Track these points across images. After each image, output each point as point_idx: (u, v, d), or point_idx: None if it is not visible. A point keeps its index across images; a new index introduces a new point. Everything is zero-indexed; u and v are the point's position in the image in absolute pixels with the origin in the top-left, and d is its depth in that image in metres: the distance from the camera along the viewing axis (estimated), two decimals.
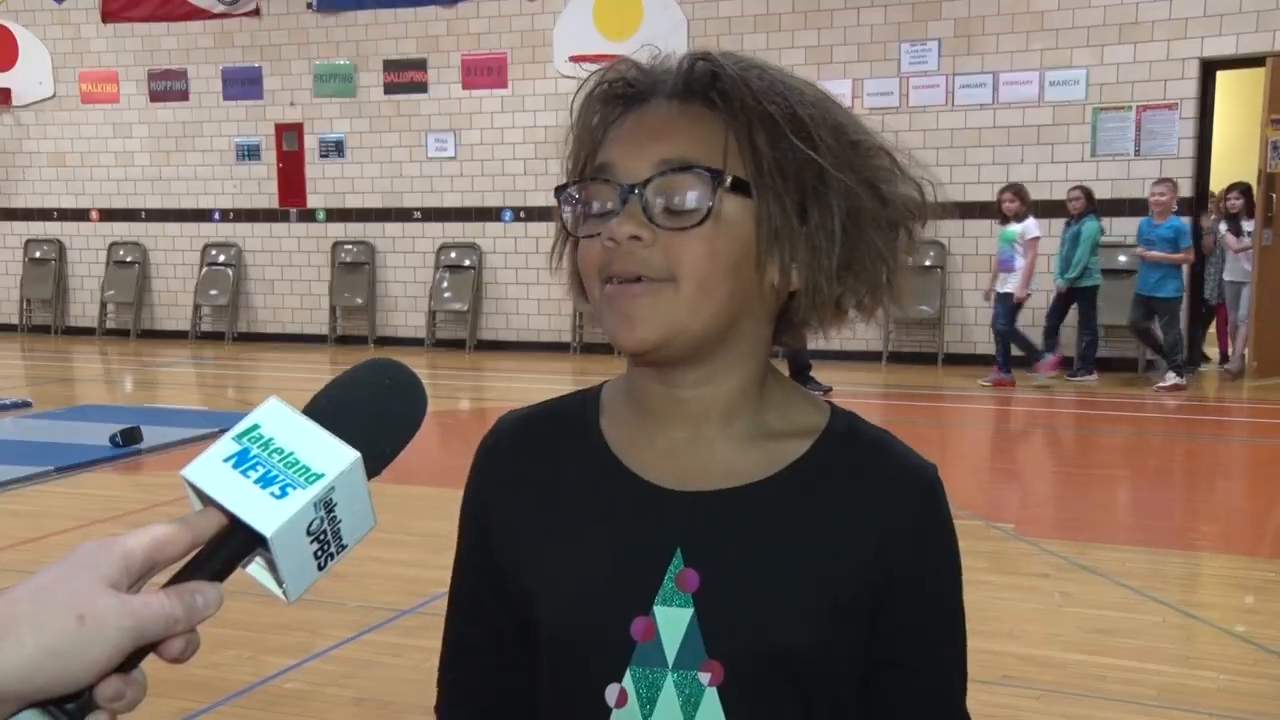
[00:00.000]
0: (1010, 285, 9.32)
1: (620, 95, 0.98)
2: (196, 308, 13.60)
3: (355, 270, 12.88)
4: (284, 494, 0.72)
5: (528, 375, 10.61)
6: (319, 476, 0.73)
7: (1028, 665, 3.89)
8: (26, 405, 9.02)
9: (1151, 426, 8.55)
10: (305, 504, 0.72)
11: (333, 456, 0.74)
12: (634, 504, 0.99)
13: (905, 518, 0.98)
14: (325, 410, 0.78)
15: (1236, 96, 10.83)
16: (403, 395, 0.83)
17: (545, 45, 11.87)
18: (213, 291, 13.48)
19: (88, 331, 14.02)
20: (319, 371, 11.47)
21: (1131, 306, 9.57)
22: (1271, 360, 9.67)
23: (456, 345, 12.48)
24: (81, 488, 6.51)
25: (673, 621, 0.95)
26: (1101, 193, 10.22)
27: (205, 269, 13.52)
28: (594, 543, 0.99)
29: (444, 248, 12.54)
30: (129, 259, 13.85)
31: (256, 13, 12.97)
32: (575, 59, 11.07)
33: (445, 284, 12.53)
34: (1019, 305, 9.42)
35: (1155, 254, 9.24)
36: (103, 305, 14.00)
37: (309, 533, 0.73)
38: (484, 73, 12.19)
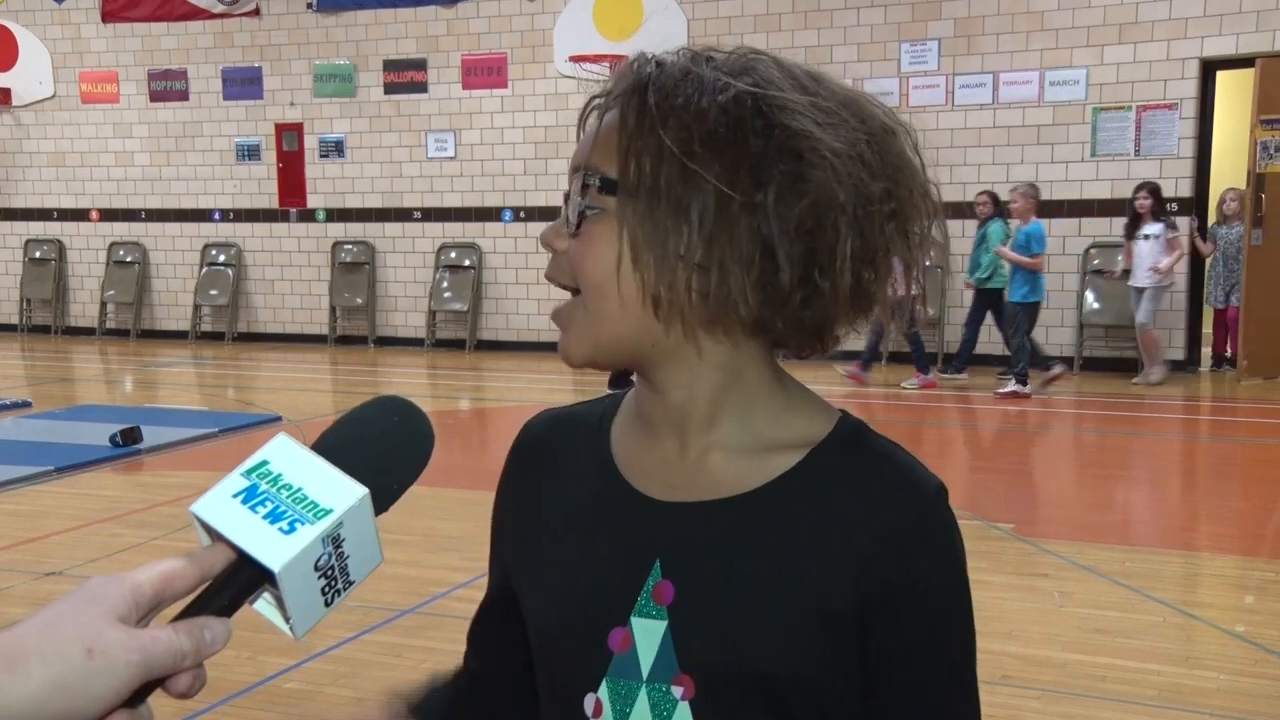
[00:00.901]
0: None
1: (599, 109, 0.97)
2: (196, 308, 13.60)
3: (355, 270, 12.88)
4: (292, 529, 0.72)
5: (528, 375, 10.60)
6: (327, 512, 0.73)
7: (1027, 665, 3.89)
8: (26, 405, 9.02)
9: (1150, 426, 8.55)
10: (313, 539, 0.72)
11: (341, 492, 0.74)
12: (622, 513, 0.99)
13: (898, 530, 0.92)
14: (333, 447, 0.78)
15: (1236, 96, 10.83)
16: (410, 432, 0.83)
17: (545, 45, 11.87)
18: (213, 291, 13.48)
19: (88, 331, 14.02)
20: (319, 371, 11.47)
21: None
22: (1262, 360, 9.70)
23: (456, 345, 12.48)
24: (81, 488, 6.51)
25: (648, 634, 0.94)
26: (1101, 193, 10.24)
27: (205, 269, 13.52)
28: (582, 550, 1.00)
29: (444, 248, 12.55)
30: (129, 259, 13.86)
31: (256, 13, 12.97)
32: (575, 59, 11.06)
33: (445, 284, 12.53)
34: None
35: (1010, 255, 9.29)
36: (103, 305, 14.00)
37: (317, 568, 0.73)
38: (484, 73, 12.19)
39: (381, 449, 0.80)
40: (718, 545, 0.95)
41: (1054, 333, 10.41)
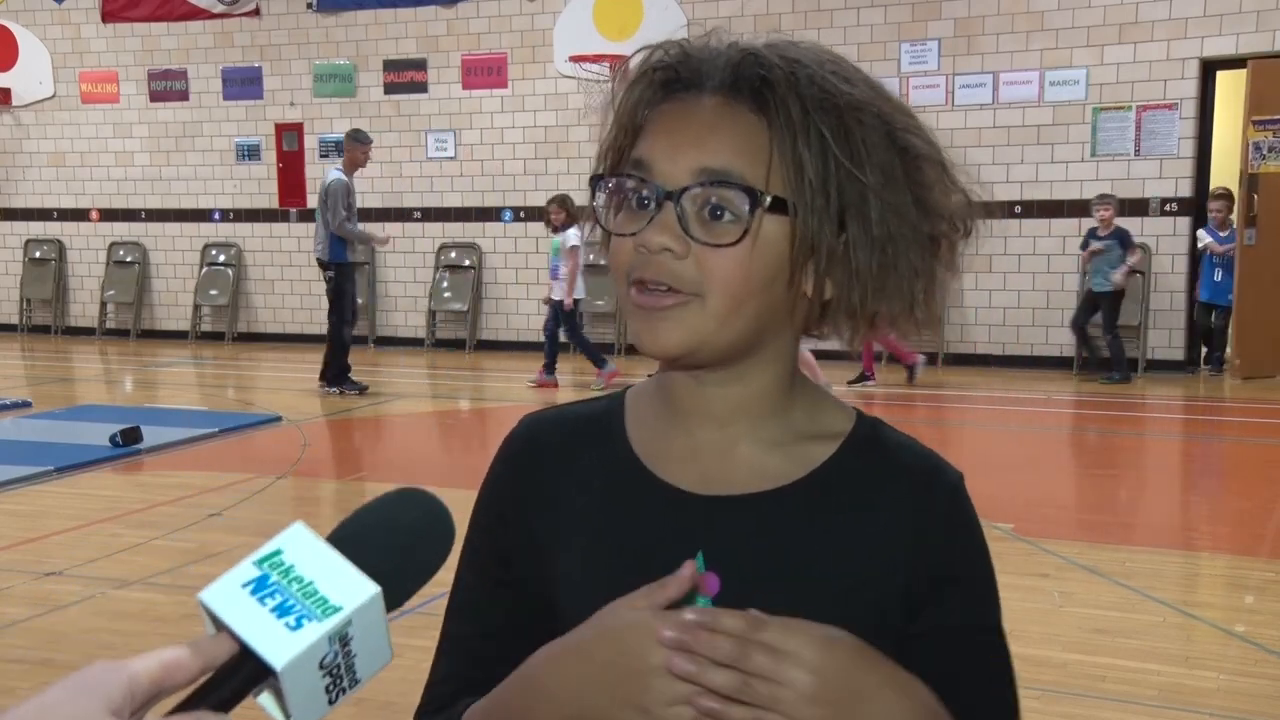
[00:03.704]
0: (558, 292, 9.58)
1: (663, 82, 0.95)
2: (196, 308, 13.60)
3: (357, 270, 12.84)
4: (299, 625, 0.70)
5: (528, 375, 10.58)
6: (336, 609, 0.71)
7: (1027, 665, 3.89)
8: (26, 405, 9.02)
9: (1150, 426, 8.55)
10: (320, 638, 0.70)
11: (353, 589, 0.72)
12: (656, 508, 0.98)
13: (936, 519, 0.97)
14: (349, 539, 0.76)
15: (1236, 97, 10.82)
16: (429, 527, 0.82)
17: (545, 45, 11.87)
18: (213, 291, 13.48)
19: (88, 331, 14.02)
20: (318, 372, 11.45)
21: None
22: (1254, 360, 9.71)
23: (456, 345, 12.48)
24: (81, 488, 6.51)
25: None
26: (1101, 193, 10.23)
27: (205, 269, 13.52)
28: (614, 547, 0.98)
29: (444, 248, 12.54)
30: (129, 259, 13.86)
31: (256, 13, 12.97)
32: (575, 59, 11.06)
33: (445, 284, 12.53)
34: (569, 311, 9.59)
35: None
36: (103, 305, 14.00)
37: (322, 666, 0.71)
38: (484, 73, 12.19)
39: (398, 544, 0.79)
40: (761, 538, 0.96)
41: (1054, 333, 10.42)
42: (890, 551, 0.95)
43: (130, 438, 7.28)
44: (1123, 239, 9.62)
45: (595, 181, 0.97)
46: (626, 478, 1.00)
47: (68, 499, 6.25)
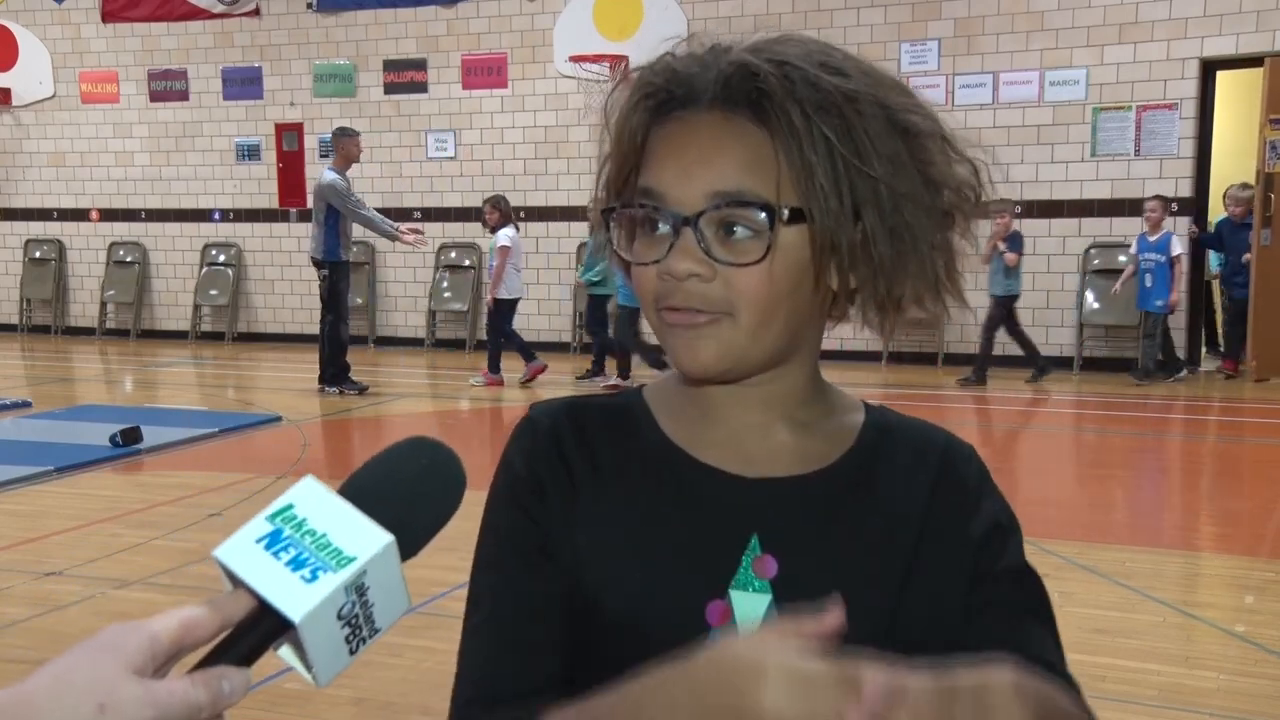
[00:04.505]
0: (501, 291, 9.80)
1: (657, 105, 0.96)
2: (196, 308, 13.60)
3: (355, 270, 12.83)
4: (314, 577, 0.71)
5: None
6: (351, 560, 0.72)
7: None
8: (26, 405, 9.02)
9: (1150, 426, 8.55)
10: (336, 588, 0.71)
11: (366, 539, 0.73)
12: (703, 491, 0.98)
13: (970, 483, 1.01)
14: (360, 490, 0.77)
15: (1236, 96, 10.83)
16: (441, 475, 0.82)
17: (545, 45, 11.87)
18: (213, 291, 13.48)
19: (88, 331, 14.02)
20: (318, 373, 11.45)
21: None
22: (1270, 361, 9.67)
23: (456, 345, 12.48)
24: (81, 488, 6.51)
25: (750, 607, 0.94)
26: (1101, 193, 10.24)
27: (205, 269, 13.52)
28: (663, 530, 0.97)
29: (444, 248, 12.54)
30: (129, 259, 13.86)
31: (256, 13, 12.97)
32: (575, 59, 11.07)
33: (445, 284, 12.53)
34: (499, 309, 9.82)
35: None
36: (103, 305, 14.00)
37: (340, 617, 0.72)
38: (484, 73, 12.19)
39: (410, 493, 0.79)
40: (813, 518, 0.98)
41: (1054, 333, 10.42)
42: (935, 521, 0.99)
43: (130, 438, 7.28)
44: (1013, 240, 9.53)
45: (606, 215, 0.97)
46: (667, 462, 1.00)
47: (68, 499, 6.26)
